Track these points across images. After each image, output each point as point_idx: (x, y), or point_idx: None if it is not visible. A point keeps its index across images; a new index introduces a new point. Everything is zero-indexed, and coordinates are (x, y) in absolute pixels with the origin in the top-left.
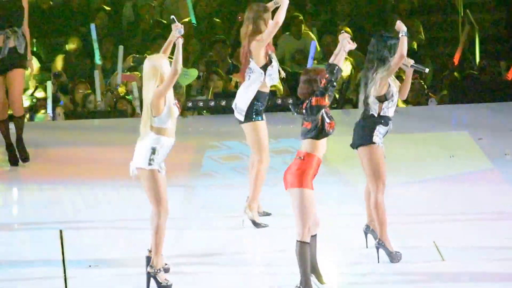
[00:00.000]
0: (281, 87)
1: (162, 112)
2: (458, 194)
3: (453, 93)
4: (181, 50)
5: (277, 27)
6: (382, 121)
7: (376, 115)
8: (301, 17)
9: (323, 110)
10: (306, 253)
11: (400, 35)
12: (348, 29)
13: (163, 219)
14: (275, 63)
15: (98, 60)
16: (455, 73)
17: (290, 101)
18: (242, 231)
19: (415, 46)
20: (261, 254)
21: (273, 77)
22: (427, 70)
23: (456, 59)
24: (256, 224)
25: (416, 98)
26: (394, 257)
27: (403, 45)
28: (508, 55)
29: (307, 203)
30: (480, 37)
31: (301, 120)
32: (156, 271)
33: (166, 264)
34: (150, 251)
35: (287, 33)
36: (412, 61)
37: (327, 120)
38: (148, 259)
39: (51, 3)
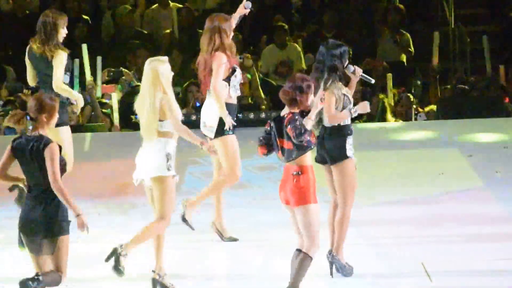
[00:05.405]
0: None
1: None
2: (447, 213)
3: (442, 108)
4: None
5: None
6: (349, 131)
7: (337, 126)
8: (285, 27)
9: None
10: (307, 267)
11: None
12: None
13: (165, 227)
14: (238, 73)
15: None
16: (445, 87)
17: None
18: (226, 247)
19: (404, 60)
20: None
21: (237, 88)
22: (373, 81)
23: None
24: (185, 220)
25: (404, 113)
26: (347, 271)
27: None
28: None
29: (317, 218)
30: (471, 50)
31: None
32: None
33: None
34: (154, 272)
35: (271, 45)
36: (360, 71)
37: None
38: (154, 280)
39: (27, 11)
